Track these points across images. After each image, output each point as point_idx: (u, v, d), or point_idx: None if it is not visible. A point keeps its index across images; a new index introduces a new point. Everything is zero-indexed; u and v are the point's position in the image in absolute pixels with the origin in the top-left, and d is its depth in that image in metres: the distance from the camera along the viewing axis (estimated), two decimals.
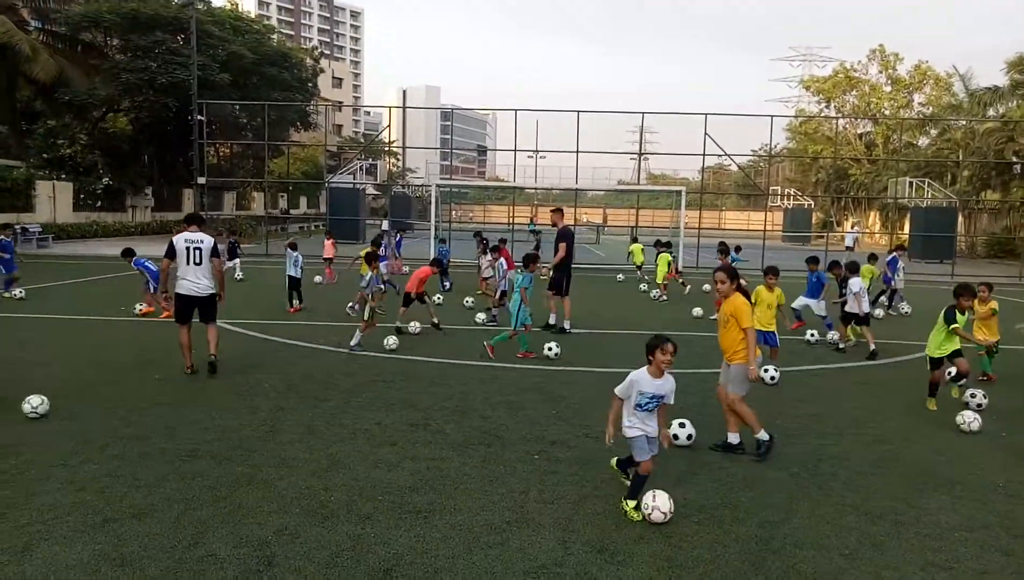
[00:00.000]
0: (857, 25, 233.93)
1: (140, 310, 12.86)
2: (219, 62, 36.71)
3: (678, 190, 30.12)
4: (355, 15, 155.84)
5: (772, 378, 8.77)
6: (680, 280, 19.25)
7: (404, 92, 51.64)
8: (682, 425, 6.43)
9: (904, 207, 39.20)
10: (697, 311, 14.60)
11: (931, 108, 52.23)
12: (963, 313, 8.09)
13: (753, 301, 9.08)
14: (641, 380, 5.03)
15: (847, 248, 37.10)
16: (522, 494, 5.33)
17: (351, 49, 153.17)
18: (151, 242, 28.56)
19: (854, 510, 5.24)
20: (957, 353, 8.03)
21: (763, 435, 6.26)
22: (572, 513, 5.03)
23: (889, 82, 55.84)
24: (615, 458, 5.57)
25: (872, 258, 15.93)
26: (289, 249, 14.66)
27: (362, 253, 14.66)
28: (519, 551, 4.47)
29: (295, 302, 14.10)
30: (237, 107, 41.14)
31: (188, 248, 8.59)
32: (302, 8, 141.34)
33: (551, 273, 12.35)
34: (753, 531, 4.86)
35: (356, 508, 5.00)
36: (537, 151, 38.29)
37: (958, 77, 44.48)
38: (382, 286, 14.69)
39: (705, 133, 28.12)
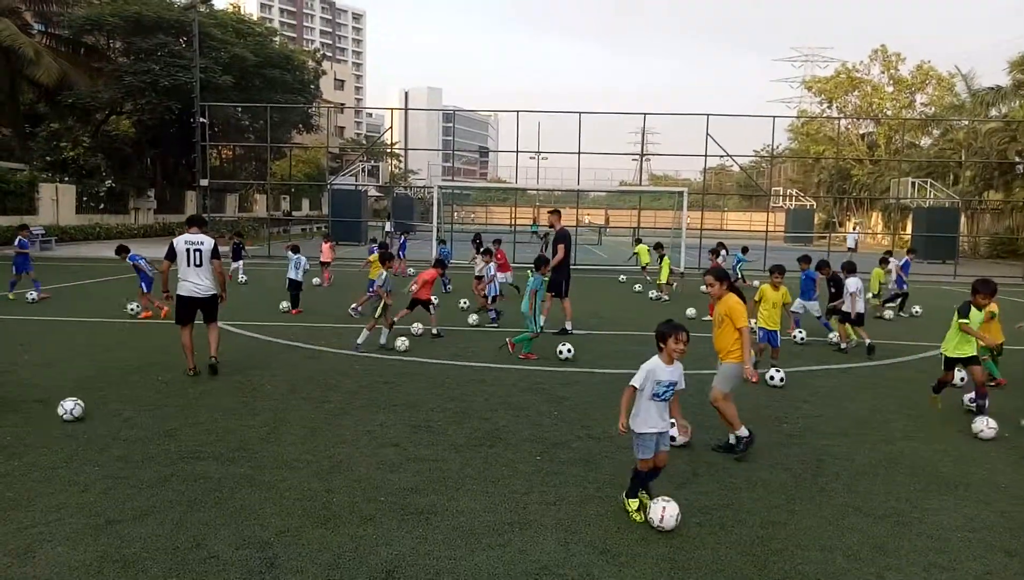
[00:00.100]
0: (859, 25, 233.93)
1: (142, 314, 12.89)
2: (221, 64, 36.80)
3: (680, 191, 30.10)
4: (357, 17, 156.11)
5: (782, 379, 8.72)
6: (671, 281, 19.35)
7: (406, 94, 51.69)
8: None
9: (906, 207, 39.16)
10: (690, 311, 14.69)
11: (933, 108, 52.21)
12: (980, 310, 7.74)
13: (757, 299, 9.08)
14: (657, 369, 4.94)
15: (849, 249, 37.08)
16: (524, 495, 5.33)
17: (353, 51, 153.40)
18: (153, 244, 28.61)
19: (856, 511, 5.23)
20: (973, 359, 7.64)
21: (743, 431, 6.23)
22: (574, 514, 5.03)
23: (891, 82, 55.83)
24: (623, 495, 5.14)
25: (884, 261, 15.94)
26: (291, 252, 14.68)
27: (372, 258, 14.76)
28: (521, 552, 4.47)
29: (288, 304, 14.13)
30: (239, 109, 41.25)
31: (188, 250, 8.62)
32: (304, 10, 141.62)
33: (549, 274, 12.38)
34: (755, 532, 4.85)
35: (358, 509, 5.01)
36: (539, 152, 38.39)
37: (960, 77, 44.46)
38: (373, 291, 14.73)
39: (707, 134, 28.14)
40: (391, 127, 35.15)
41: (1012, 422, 7.33)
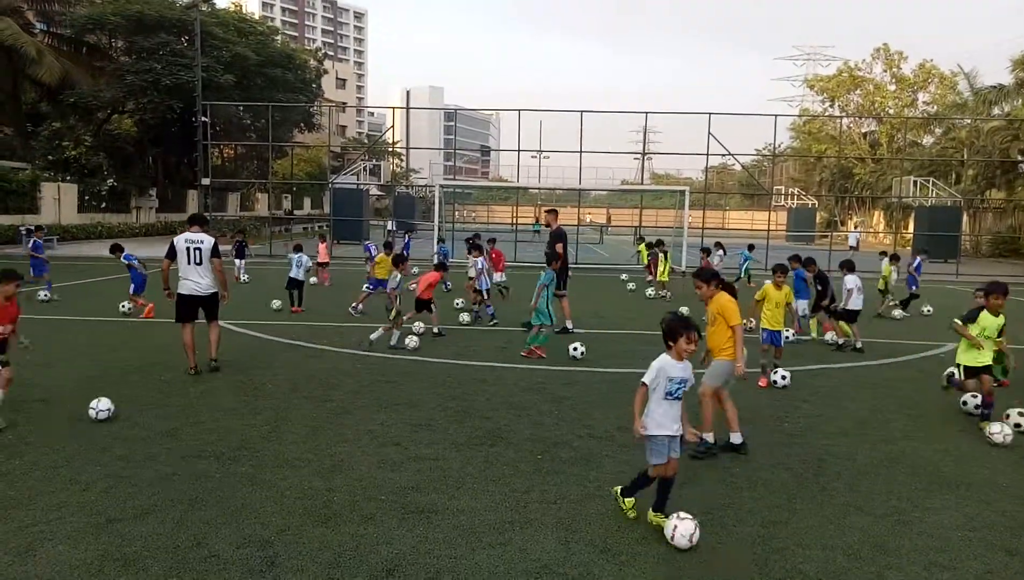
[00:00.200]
0: (860, 24, 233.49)
1: (145, 312, 12.92)
2: (223, 64, 36.84)
3: (682, 190, 30.07)
4: (359, 16, 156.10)
5: (783, 377, 8.70)
6: (651, 278, 19.49)
7: (407, 93, 51.61)
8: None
9: (908, 206, 39.12)
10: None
11: (936, 107, 52.11)
12: (995, 314, 7.30)
13: (760, 298, 9.08)
14: (668, 366, 4.75)
15: (850, 247, 37.06)
16: (524, 494, 5.33)
17: (355, 50, 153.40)
18: (155, 243, 28.65)
19: (857, 510, 5.23)
20: (987, 368, 7.30)
21: (709, 438, 6.23)
22: (574, 513, 5.03)
23: (893, 81, 55.75)
24: (618, 489, 5.07)
25: (895, 258, 15.92)
26: (294, 251, 14.80)
27: (378, 258, 14.80)
28: (521, 551, 4.47)
29: (292, 302, 14.17)
30: (241, 108, 41.29)
31: (188, 248, 8.64)
32: (306, 9, 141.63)
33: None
34: (756, 531, 4.85)
35: (359, 508, 5.01)
36: (541, 151, 38.39)
37: (963, 75, 44.38)
38: (375, 289, 14.78)
39: (709, 132, 28.11)
40: (393, 126, 35.19)
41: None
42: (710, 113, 28.01)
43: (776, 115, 29.65)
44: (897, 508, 5.29)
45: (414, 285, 11.97)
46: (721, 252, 20.87)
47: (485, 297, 13.65)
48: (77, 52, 38.30)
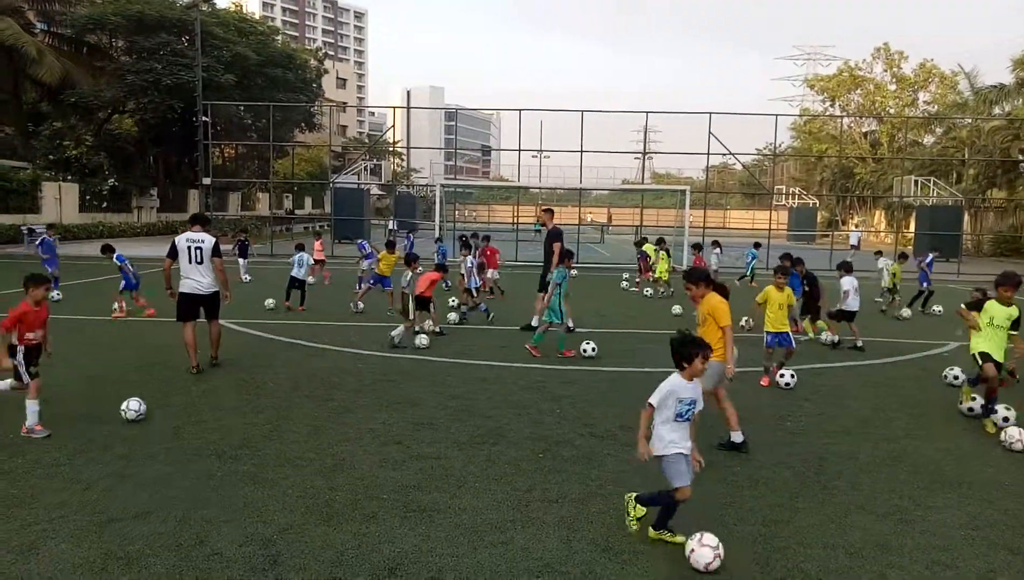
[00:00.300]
0: (861, 24, 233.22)
1: (147, 312, 12.93)
2: (224, 63, 36.86)
3: (682, 189, 30.08)
4: (359, 16, 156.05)
5: (787, 383, 8.67)
6: (649, 277, 19.50)
7: (408, 92, 51.71)
8: None
9: (909, 206, 39.08)
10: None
11: (936, 106, 52.07)
12: (1007, 305, 7.16)
13: (762, 301, 9.06)
14: (678, 387, 4.53)
15: (852, 247, 37.05)
16: (526, 493, 5.33)
17: (355, 50, 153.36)
18: (156, 243, 28.67)
19: (859, 509, 5.22)
20: (998, 365, 7.16)
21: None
22: (576, 512, 5.03)
23: (894, 80, 55.71)
24: (632, 495, 4.80)
25: (902, 257, 15.91)
26: (296, 251, 14.85)
27: (380, 256, 14.88)
28: (523, 550, 4.47)
29: (286, 300, 14.20)
30: (242, 108, 41.32)
31: (190, 247, 8.67)
32: (306, 9, 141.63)
33: (542, 272, 12.45)
34: (757, 530, 4.85)
35: (361, 507, 5.01)
36: (541, 151, 38.42)
37: (963, 75, 44.36)
38: (375, 284, 14.80)
39: (709, 132, 28.10)
40: (393, 126, 35.27)
41: (1018, 421, 7.31)
42: (711, 113, 28.03)
43: (777, 115, 29.69)
44: (899, 507, 5.28)
45: (406, 284, 12.04)
46: (718, 250, 20.84)
47: (474, 295, 13.72)
48: (78, 52, 38.32)
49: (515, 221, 35.18)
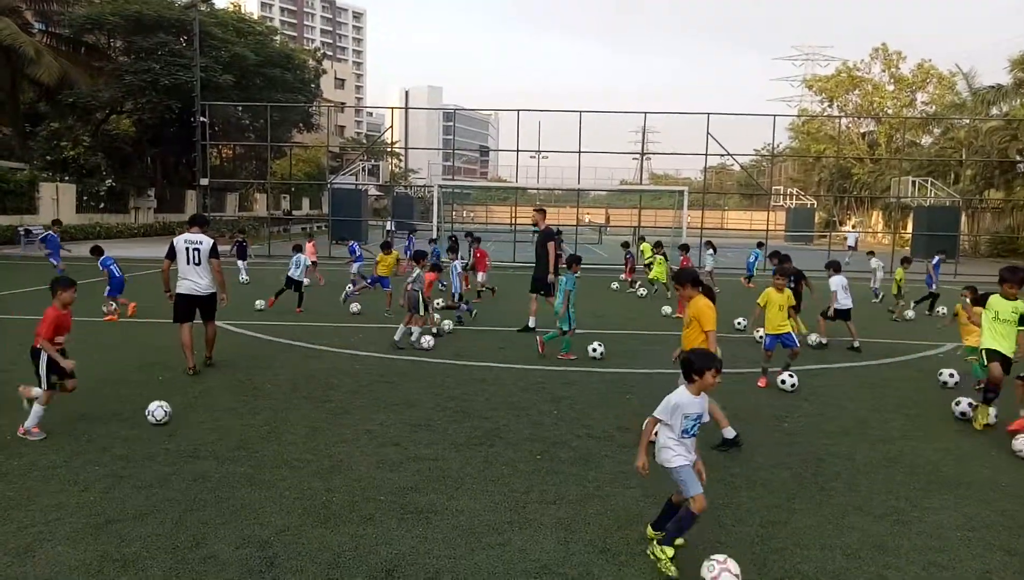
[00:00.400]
0: (859, 24, 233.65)
1: (129, 311, 12.94)
2: (222, 64, 36.82)
3: (680, 190, 30.07)
4: (357, 16, 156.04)
5: (793, 386, 8.62)
6: (633, 278, 19.52)
7: (406, 93, 51.58)
8: None
9: (907, 206, 39.13)
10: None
11: (934, 107, 52.17)
12: (1011, 299, 7.00)
13: (762, 304, 9.05)
14: (685, 402, 4.37)
15: (849, 248, 37.07)
16: (524, 494, 5.33)
17: (353, 50, 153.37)
18: (154, 243, 28.64)
19: (856, 510, 5.23)
20: (1007, 362, 7.03)
21: None
22: (574, 513, 5.03)
23: (892, 81, 55.80)
24: (653, 537, 4.49)
25: (905, 261, 15.95)
26: (293, 252, 14.85)
27: (379, 257, 14.92)
28: (521, 551, 4.47)
29: (274, 297, 14.21)
30: (240, 108, 41.26)
31: (187, 248, 8.69)
32: (304, 9, 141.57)
33: (535, 274, 12.48)
34: (755, 531, 4.85)
35: (358, 508, 5.01)
36: (539, 151, 38.38)
37: (961, 75, 44.43)
38: (373, 285, 14.80)
39: (707, 133, 28.10)
40: (391, 126, 35.18)
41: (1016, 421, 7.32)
42: (709, 113, 28.01)
43: (775, 115, 29.66)
44: (896, 508, 5.29)
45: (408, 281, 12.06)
46: (712, 251, 20.83)
47: (455, 298, 13.78)
48: (75, 52, 38.27)
49: (513, 222, 35.16)
